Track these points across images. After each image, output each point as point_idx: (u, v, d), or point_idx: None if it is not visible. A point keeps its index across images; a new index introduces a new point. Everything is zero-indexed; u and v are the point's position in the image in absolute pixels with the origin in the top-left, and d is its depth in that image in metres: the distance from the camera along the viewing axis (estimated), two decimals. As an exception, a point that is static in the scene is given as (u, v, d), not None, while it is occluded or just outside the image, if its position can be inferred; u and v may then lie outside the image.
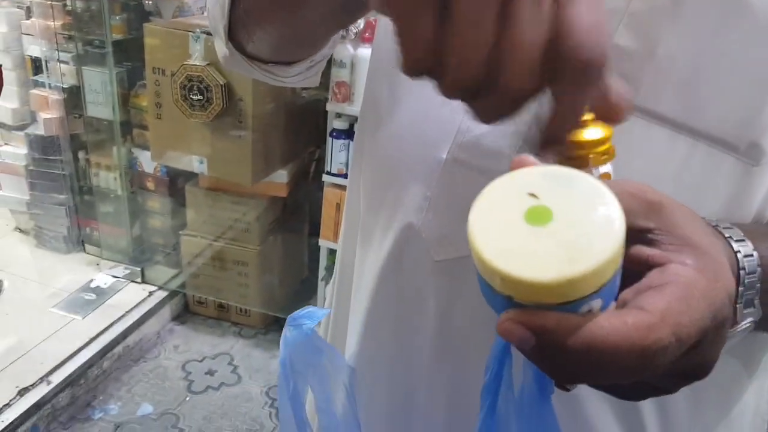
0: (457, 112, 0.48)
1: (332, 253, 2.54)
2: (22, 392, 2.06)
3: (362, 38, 2.21)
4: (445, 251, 0.52)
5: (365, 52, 2.17)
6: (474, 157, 0.49)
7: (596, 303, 0.27)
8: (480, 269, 0.28)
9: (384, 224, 0.57)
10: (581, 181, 0.28)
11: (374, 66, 0.62)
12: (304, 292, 2.84)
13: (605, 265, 0.26)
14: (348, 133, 2.26)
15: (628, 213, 0.28)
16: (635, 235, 0.31)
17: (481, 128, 0.46)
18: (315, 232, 2.53)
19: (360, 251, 0.63)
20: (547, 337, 0.27)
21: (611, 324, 0.27)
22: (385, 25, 0.59)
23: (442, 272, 0.53)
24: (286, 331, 0.53)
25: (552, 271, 0.25)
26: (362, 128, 0.65)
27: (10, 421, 1.96)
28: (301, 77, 0.64)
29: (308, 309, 0.54)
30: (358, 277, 0.64)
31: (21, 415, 1.99)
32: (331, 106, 2.25)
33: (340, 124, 2.25)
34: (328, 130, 2.30)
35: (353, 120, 2.26)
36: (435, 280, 0.53)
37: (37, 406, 2.05)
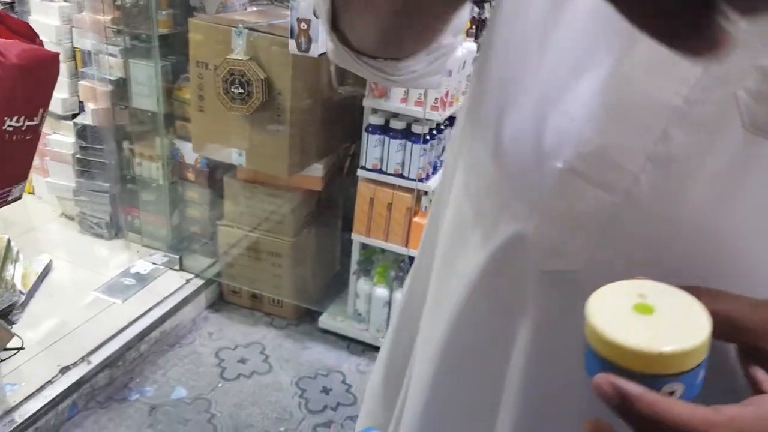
0: (577, 120, 0.46)
1: (365, 247, 2.57)
2: (64, 370, 2.15)
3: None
4: (554, 262, 0.50)
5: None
6: (593, 168, 0.46)
7: (678, 387, 0.33)
8: (588, 335, 0.35)
9: (485, 231, 0.55)
10: (682, 294, 0.36)
11: (484, 67, 0.57)
12: (336, 286, 2.88)
13: (688, 354, 0.33)
14: (383, 129, 2.28)
15: (755, 333, 0.35)
16: (756, 354, 0.36)
17: (604, 139, 0.45)
18: (348, 227, 2.57)
19: (448, 256, 0.61)
20: (627, 402, 0.32)
21: (682, 407, 0.32)
22: (501, 28, 0.55)
23: (546, 283, 0.51)
24: None
25: (645, 344, 0.33)
26: (466, 131, 0.61)
27: (51, 397, 2.05)
28: (415, 75, 0.58)
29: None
30: (441, 284, 0.62)
31: (62, 392, 2.08)
32: (367, 102, 2.28)
33: (375, 120, 2.28)
34: (364, 126, 2.32)
35: (389, 116, 2.28)
36: (538, 289, 0.52)
37: (77, 385, 2.14)
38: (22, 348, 1.51)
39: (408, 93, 2.21)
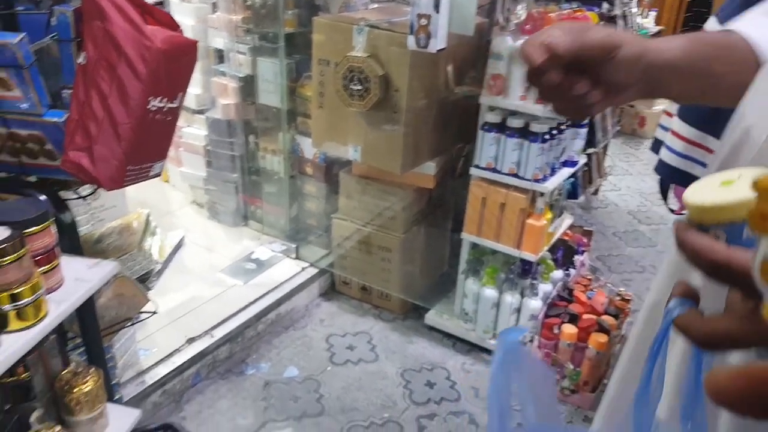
0: None
1: (474, 247, 2.57)
2: (190, 341, 2.33)
3: (521, 30, 2.21)
4: None
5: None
6: None
7: (721, 234, 0.38)
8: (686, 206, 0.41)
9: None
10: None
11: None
12: (443, 285, 2.90)
13: (723, 208, 0.37)
14: (500, 127, 2.27)
15: None
16: None
17: None
18: (458, 228, 2.58)
19: None
20: (679, 240, 0.38)
21: (715, 243, 0.36)
22: None
23: None
24: (502, 337, 0.73)
25: (698, 200, 0.39)
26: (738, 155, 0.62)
27: (178, 364, 2.23)
28: None
29: (518, 326, 0.67)
30: None
31: (187, 360, 2.26)
32: (484, 99, 2.28)
33: (492, 118, 2.27)
34: (480, 123, 2.32)
35: (506, 114, 2.27)
36: None
37: (201, 355, 2.31)
38: (155, 312, 1.65)
39: (528, 89, 2.18)
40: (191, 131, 3.28)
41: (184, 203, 3.51)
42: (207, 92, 3.20)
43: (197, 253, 3.00)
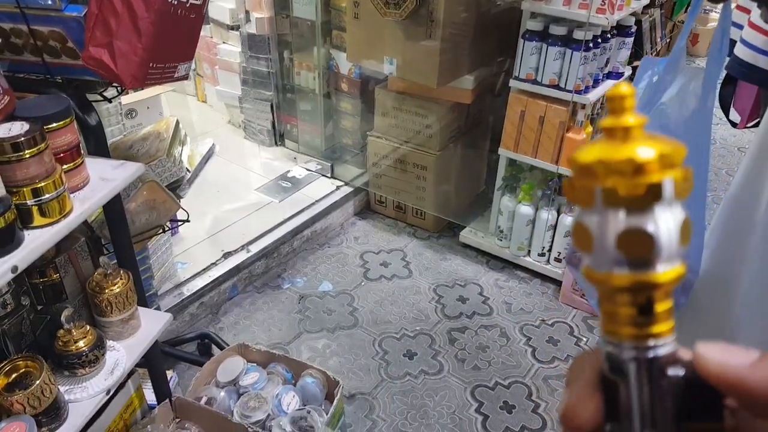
0: None
1: (511, 163, 2.49)
2: (226, 255, 2.38)
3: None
4: None
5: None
6: None
7: None
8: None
9: None
10: None
11: None
12: (479, 204, 2.86)
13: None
14: (541, 35, 2.15)
15: None
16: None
17: None
18: (495, 148, 2.50)
19: None
20: None
21: None
22: None
23: None
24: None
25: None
26: None
27: (215, 277, 2.28)
28: None
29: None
30: None
31: (224, 273, 2.31)
32: (526, 5, 2.15)
33: (534, 25, 2.14)
34: (521, 32, 2.20)
35: (549, 21, 2.14)
36: None
37: (237, 269, 2.36)
38: (187, 220, 1.67)
39: None
40: (226, 48, 3.23)
41: (221, 123, 3.52)
42: (241, 6, 3.12)
43: (234, 172, 3.02)
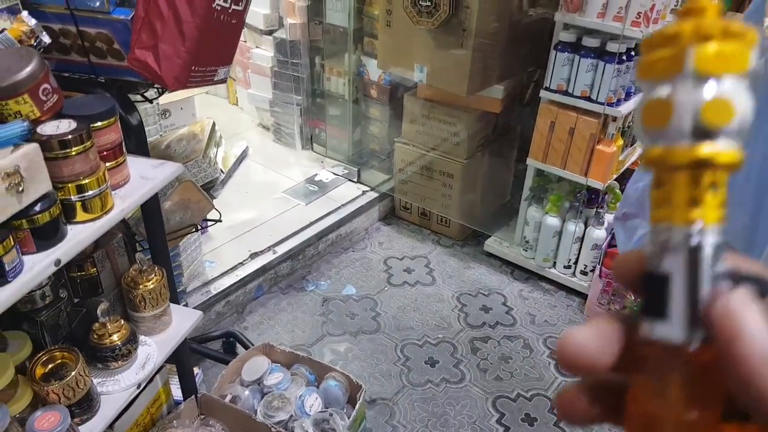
0: None
1: (539, 174, 2.49)
2: (253, 256, 2.41)
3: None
4: None
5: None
6: None
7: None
8: None
9: None
10: None
11: None
12: (504, 214, 2.86)
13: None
14: (574, 47, 2.15)
15: None
16: None
17: None
18: (522, 158, 2.50)
19: None
20: None
21: None
22: None
23: None
24: None
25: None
26: None
27: (241, 277, 2.31)
28: None
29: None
30: None
31: (250, 273, 2.34)
32: (559, 16, 2.15)
33: (567, 37, 2.14)
34: (553, 43, 2.20)
35: (582, 33, 2.14)
36: None
37: (263, 270, 2.38)
38: (220, 220, 1.70)
39: (607, 6, 2.04)
40: (259, 52, 3.27)
41: (251, 125, 3.56)
42: (275, 12, 3.17)
43: (262, 174, 3.06)
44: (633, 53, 2.13)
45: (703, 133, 0.25)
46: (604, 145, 2.23)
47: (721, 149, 0.25)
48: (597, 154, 2.23)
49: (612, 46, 2.07)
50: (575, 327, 0.27)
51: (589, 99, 2.17)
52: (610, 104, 2.14)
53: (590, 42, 2.10)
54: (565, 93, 2.21)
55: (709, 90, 0.25)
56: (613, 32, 2.06)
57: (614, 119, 2.21)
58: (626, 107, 2.20)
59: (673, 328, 0.25)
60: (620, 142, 2.28)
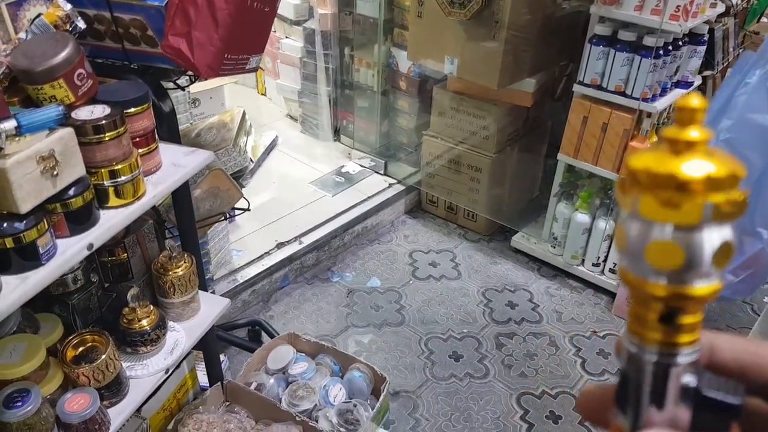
0: None
1: (569, 169, 2.45)
2: (279, 246, 2.42)
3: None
4: None
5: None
6: None
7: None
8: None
9: None
10: None
11: None
12: (532, 209, 2.82)
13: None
14: (610, 40, 2.10)
15: None
16: None
17: None
18: (553, 153, 2.46)
19: None
20: None
21: None
22: None
23: None
24: None
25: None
26: None
27: (267, 266, 2.32)
28: None
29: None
30: None
31: (277, 263, 2.34)
32: (595, 9, 2.10)
33: (602, 30, 2.10)
34: (588, 36, 2.16)
35: (618, 26, 2.09)
36: None
37: (289, 260, 2.39)
38: (248, 209, 1.70)
39: (644, -1, 1.99)
40: (288, 42, 3.27)
41: (279, 116, 3.57)
42: (306, 2, 3.16)
43: (289, 165, 3.06)
44: (670, 47, 2.08)
45: (663, 273, 0.26)
46: (638, 141, 2.18)
47: (692, 286, 0.26)
48: (630, 151, 2.19)
49: (649, 40, 2.02)
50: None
51: (623, 94, 2.12)
52: (645, 100, 2.09)
53: (626, 36, 2.05)
54: (599, 87, 2.17)
55: (652, 235, 0.26)
56: (650, 26, 2.01)
57: (649, 115, 2.16)
58: (662, 103, 2.15)
59: (625, 422, 0.29)
60: (654, 138, 2.23)
